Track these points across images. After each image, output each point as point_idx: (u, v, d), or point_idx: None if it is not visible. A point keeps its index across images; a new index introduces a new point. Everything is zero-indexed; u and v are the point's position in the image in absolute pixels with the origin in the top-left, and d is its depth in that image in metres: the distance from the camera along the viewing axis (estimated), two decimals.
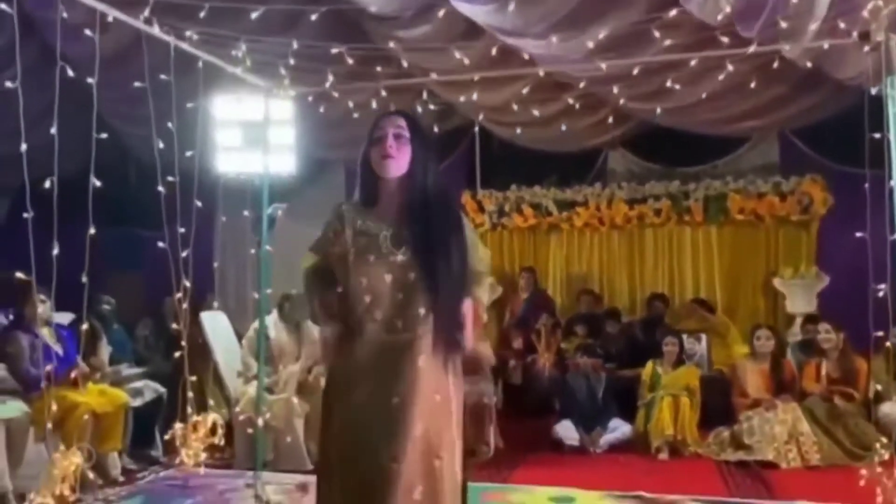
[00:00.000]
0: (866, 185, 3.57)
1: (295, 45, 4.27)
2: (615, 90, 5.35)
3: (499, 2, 4.10)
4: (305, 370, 5.10)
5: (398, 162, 2.10)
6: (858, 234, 3.57)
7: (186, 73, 3.54)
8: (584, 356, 5.82)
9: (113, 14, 3.06)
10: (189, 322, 5.25)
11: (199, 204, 3.62)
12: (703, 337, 6.35)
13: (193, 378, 3.88)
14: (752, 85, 5.14)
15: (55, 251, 2.71)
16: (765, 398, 5.28)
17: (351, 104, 5.33)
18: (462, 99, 5.51)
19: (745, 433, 5.16)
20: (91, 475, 4.07)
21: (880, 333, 3.65)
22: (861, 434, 4.98)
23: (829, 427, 5.08)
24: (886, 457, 3.55)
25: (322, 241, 2.20)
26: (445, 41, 4.75)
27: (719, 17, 4.05)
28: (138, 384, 5.15)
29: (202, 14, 3.85)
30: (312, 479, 4.36)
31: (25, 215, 2.57)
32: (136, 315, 6.92)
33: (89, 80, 2.81)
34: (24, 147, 2.57)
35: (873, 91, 3.50)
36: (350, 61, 4.69)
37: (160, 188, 3.36)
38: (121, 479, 4.52)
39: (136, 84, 3.27)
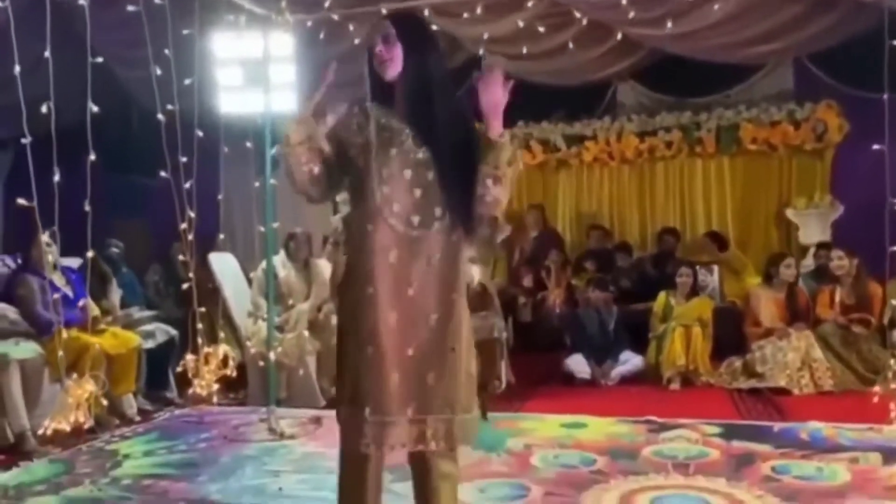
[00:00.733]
0: (884, 97, 3.46)
1: None
2: (623, 12, 5.20)
3: None
4: (315, 308, 5.13)
5: (393, 63, 2.07)
6: (876, 147, 3.48)
7: (183, 2, 3.46)
8: (595, 290, 5.83)
9: None
10: (198, 264, 5.32)
11: (199, 133, 3.58)
12: (716, 269, 6.33)
13: (203, 309, 3.91)
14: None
15: (56, 178, 2.69)
16: (778, 327, 5.28)
17: (353, 31, 5.21)
18: (466, 31, 5.39)
19: (757, 362, 5.18)
20: (106, 412, 4.13)
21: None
22: (875, 359, 4.99)
23: (842, 353, 5.10)
24: None
25: (344, 127, 2.12)
26: None
27: None
28: (150, 327, 5.20)
29: None
30: (326, 412, 4.54)
31: (24, 140, 2.55)
32: (145, 261, 6.97)
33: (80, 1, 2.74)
34: (17, 69, 2.52)
35: None
36: None
37: (159, 116, 3.32)
38: (137, 418, 4.60)
39: (130, 8, 3.19)
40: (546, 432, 3.93)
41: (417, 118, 2.06)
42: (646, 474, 3.22)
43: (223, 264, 5.28)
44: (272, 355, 4.28)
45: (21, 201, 2.83)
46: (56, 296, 3.80)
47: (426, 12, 4.73)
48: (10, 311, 4.38)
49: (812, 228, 6.63)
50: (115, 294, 5.28)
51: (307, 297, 5.19)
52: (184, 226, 3.57)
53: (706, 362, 5.37)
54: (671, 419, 4.09)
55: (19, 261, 4.65)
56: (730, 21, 5.42)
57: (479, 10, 4.62)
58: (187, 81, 3.55)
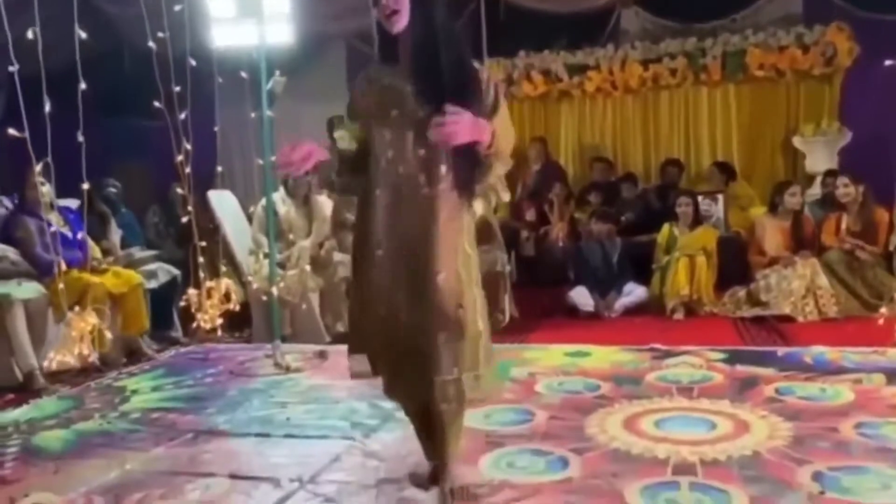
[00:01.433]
0: None
1: None
2: None
3: None
4: (317, 245, 5.14)
5: (400, 15, 2.06)
6: (888, 63, 3.40)
7: None
8: (598, 222, 5.82)
9: None
10: (197, 204, 5.30)
11: (192, 62, 3.52)
12: (720, 199, 6.29)
13: (203, 243, 3.91)
14: None
15: (47, 108, 2.65)
16: (783, 256, 5.29)
17: None
18: None
19: (761, 290, 5.21)
20: (122, 352, 4.17)
21: None
22: (880, 285, 5.01)
23: (847, 280, 5.11)
24: None
25: (352, 102, 2.21)
26: None
27: None
28: (152, 266, 5.21)
29: None
30: (331, 346, 4.59)
31: (11, 69, 2.50)
32: (144, 203, 6.95)
33: None
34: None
35: None
36: None
37: (150, 43, 3.26)
38: (156, 356, 4.66)
39: None
40: (550, 361, 3.97)
41: (423, 74, 2.04)
42: (650, 398, 3.26)
43: (223, 202, 5.25)
44: (274, 290, 4.28)
45: (12, 132, 2.79)
46: (52, 229, 3.77)
47: None
48: (11, 252, 4.40)
49: (819, 156, 6.57)
50: (115, 234, 5.28)
51: (308, 233, 5.18)
52: (180, 158, 3.53)
53: (710, 292, 5.39)
54: (675, 346, 4.12)
55: (16, 201, 4.63)
56: None
57: None
58: (177, 8, 3.46)
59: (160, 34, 3.33)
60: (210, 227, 5.24)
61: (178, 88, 3.39)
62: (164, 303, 5.11)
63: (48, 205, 4.39)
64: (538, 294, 5.90)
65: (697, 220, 5.68)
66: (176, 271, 5.22)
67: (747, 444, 2.65)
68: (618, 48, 7.19)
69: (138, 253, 5.40)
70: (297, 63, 6.65)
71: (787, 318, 4.95)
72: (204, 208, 5.29)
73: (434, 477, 2.31)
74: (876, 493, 2.21)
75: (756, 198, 6.52)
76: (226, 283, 4.04)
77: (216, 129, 4.10)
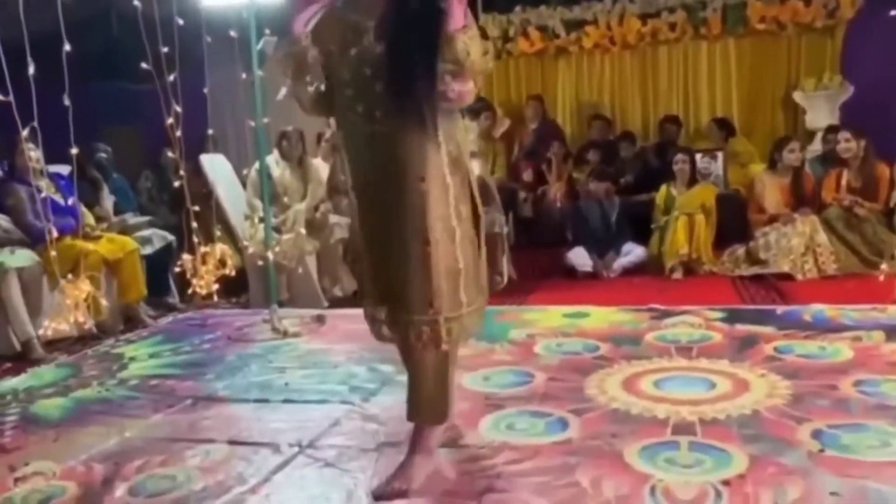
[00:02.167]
0: None
1: None
2: None
3: None
4: (312, 208, 5.10)
5: None
6: (893, 13, 3.32)
7: None
8: (596, 181, 5.78)
9: None
10: (190, 170, 5.24)
11: (180, 22, 3.44)
12: (719, 155, 6.25)
13: (196, 208, 3.88)
14: None
15: (31, 70, 2.59)
16: (783, 213, 5.26)
17: None
18: None
19: (760, 248, 5.19)
20: (121, 320, 4.15)
21: None
22: (879, 242, 5.00)
23: (846, 237, 5.09)
24: None
25: (320, 38, 2.11)
26: None
27: None
28: (146, 233, 5.18)
29: None
30: (329, 311, 4.59)
31: None
32: (137, 168, 6.90)
33: None
34: None
35: None
36: None
37: (136, 2, 3.17)
38: (153, 323, 4.66)
39: None
40: (549, 322, 3.97)
41: (392, 9, 1.99)
42: (649, 358, 3.26)
43: (215, 166, 5.21)
44: (270, 255, 4.26)
45: None
46: (43, 195, 3.73)
47: None
48: (2, 220, 4.36)
49: (820, 111, 6.50)
50: (108, 200, 5.23)
51: (303, 196, 5.14)
52: (170, 121, 3.47)
53: (709, 251, 5.38)
54: (674, 306, 4.12)
55: (5, 168, 4.57)
56: None
57: None
58: None
59: None
60: (203, 191, 5.20)
61: (165, 49, 3.30)
62: (159, 269, 5.10)
63: (38, 171, 4.34)
64: (536, 255, 5.89)
65: (694, 178, 5.63)
66: (170, 237, 5.19)
67: (746, 403, 2.65)
68: (615, 2, 7.08)
69: (132, 219, 5.37)
70: (288, 21, 6.52)
71: (787, 277, 4.95)
72: (196, 173, 5.25)
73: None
74: (875, 451, 2.21)
75: (756, 154, 6.47)
76: (221, 248, 4.01)
77: (206, 91, 3.99)
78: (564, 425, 2.55)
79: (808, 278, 4.95)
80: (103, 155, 5.83)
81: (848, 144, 5.26)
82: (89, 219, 4.74)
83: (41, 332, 3.44)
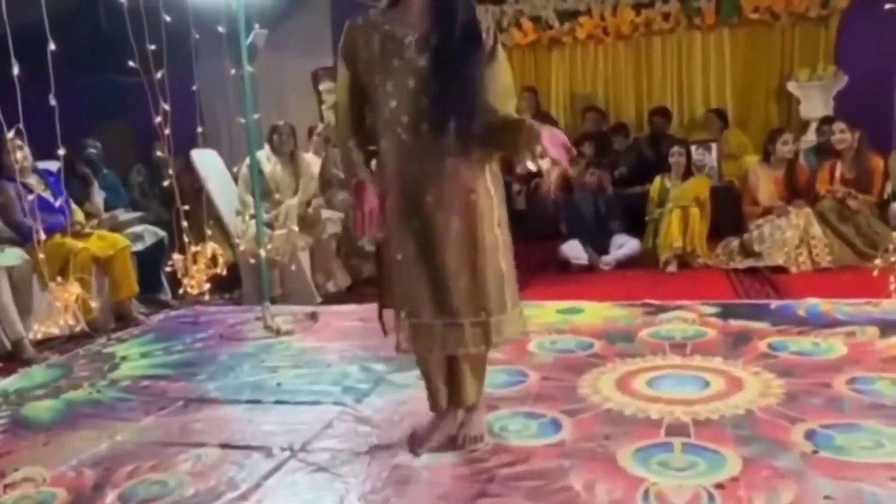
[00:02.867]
0: None
1: None
2: None
3: None
4: (304, 203, 5.08)
5: None
6: (888, 6, 3.30)
7: None
8: (591, 174, 5.76)
9: None
10: (182, 165, 5.20)
11: (167, 18, 3.39)
12: (714, 147, 6.23)
13: (186, 207, 3.85)
14: None
15: (15, 71, 2.55)
16: (777, 205, 5.25)
17: None
18: None
19: (755, 241, 5.18)
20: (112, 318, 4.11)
21: None
22: (873, 234, 4.99)
23: (840, 229, 5.09)
24: None
25: (348, 48, 2.18)
26: None
27: None
28: (137, 229, 5.15)
29: None
30: (322, 307, 4.57)
31: None
32: (128, 163, 6.84)
33: None
34: None
35: None
36: None
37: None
38: (145, 320, 4.63)
39: None
40: (543, 319, 3.96)
41: (434, 24, 2.08)
42: (643, 356, 3.25)
43: (207, 161, 5.16)
44: (262, 252, 4.23)
45: None
46: (31, 196, 3.69)
47: None
48: None
49: (814, 102, 6.48)
50: (98, 196, 5.19)
51: (295, 191, 5.12)
52: (158, 119, 3.43)
53: (703, 244, 5.37)
54: (668, 301, 4.11)
55: None
56: None
57: None
58: None
59: None
60: (196, 186, 5.16)
61: (153, 47, 3.26)
62: (151, 265, 5.06)
63: (27, 168, 4.30)
64: (530, 248, 5.77)
65: (689, 170, 5.62)
66: (162, 233, 5.15)
67: (740, 403, 2.64)
68: None
69: (123, 215, 5.34)
70: (278, 14, 6.48)
71: (781, 269, 4.95)
72: (188, 168, 5.21)
73: (420, 439, 2.42)
74: (869, 452, 2.21)
75: (750, 146, 6.46)
76: (212, 247, 3.97)
77: (194, 88, 3.95)
78: (558, 427, 2.54)
79: (802, 271, 4.95)
80: (93, 151, 5.78)
81: (843, 136, 5.24)
82: (79, 216, 4.70)
83: (30, 336, 3.41)
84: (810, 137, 6.28)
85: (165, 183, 3.73)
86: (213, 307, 4.86)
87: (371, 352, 3.45)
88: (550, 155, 2.02)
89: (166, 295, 5.16)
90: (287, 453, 2.48)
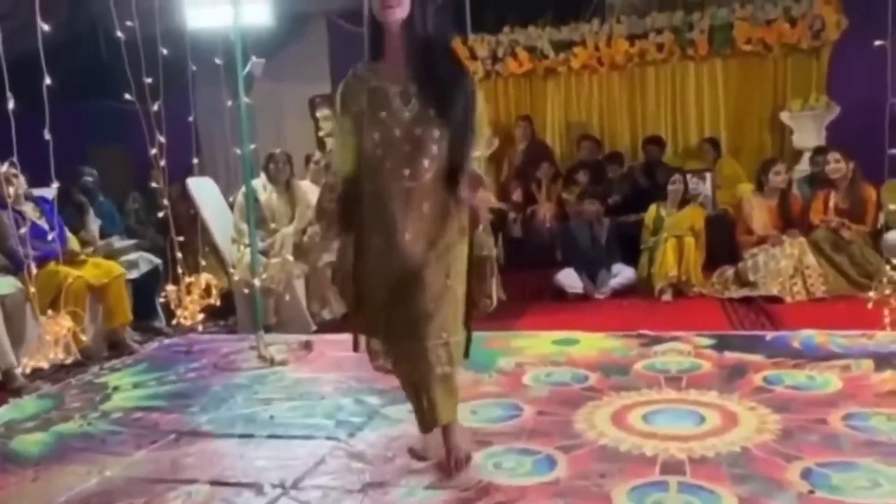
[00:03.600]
0: None
1: None
2: None
3: None
4: (300, 231, 5.06)
5: (401, 8, 2.20)
6: (878, 43, 3.33)
7: None
8: (586, 202, 5.77)
9: None
10: (178, 193, 5.20)
11: (164, 52, 3.40)
12: (708, 176, 6.26)
13: (181, 239, 3.83)
14: None
15: (10, 105, 2.55)
16: (771, 234, 5.25)
17: None
18: None
19: (749, 270, 5.18)
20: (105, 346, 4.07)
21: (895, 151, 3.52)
22: (867, 263, 4.99)
23: (834, 258, 5.09)
24: None
25: (342, 100, 2.36)
26: None
27: None
28: (133, 256, 5.12)
29: None
30: (316, 336, 4.54)
31: None
32: (125, 189, 6.84)
33: None
34: None
35: None
36: None
37: (118, 33, 3.14)
38: (139, 348, 4.60)
39: None
40: (538, 350, 3.94)
41: (416, 73, 2.24)
42: (638, 389, 3.22)
43: (203, 189, 5.16)
44: (257, 282, 4.22)
45: None
46: (22, 230, 3.67)
47: None
48: None
49: (806, 132, 6.52)
50: (94, 224, 5.18)
51: (291, 219, 5.10)
52: (154, 151, 3.43)
53: (698, 273, 5.36)
54: (663, 332, 4.09)
55: None
56: None
57: None
58: None
59: (129, 23, 3.20)
60: (192, 214, 5.15)
61: (149, 80, 3.27)
62: (146, 293, 5.04)
63: (21, 196, 4.28)
64: (526, 276, 5.86)
65: (685, 199, 5.63)
66: (157, 260, 5.13)
67: (736, 439, 2.62)
68: (604, 23, 7.12)
69: (118, 242, 5.31)
70: (276, 43, 6.55)
71: (776, 299, 4.94)
72: (184, 197, 5.21)
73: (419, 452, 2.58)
74: (865, 492, 2.18)
75: (743, 175, 6.48)
76: (206, 277, 3.95)
77: (191, 119, 3.96)
78: (552, 464, 2.51)
79: (796, 300, 4.94)
80: (89, 179, 5.78)
81: (837, 165, 5.26)
82: (74, 243, 4.68)
83: (18, 370, 3.37)
84: (803, 167, 6.32)
85: (161, 214, 3.71)
86: (207, 335, 4.81)
87: (365, 384, 3.42)
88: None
89: (161, 322, 5.11)
90: (278, 490, 2.44)
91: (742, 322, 4.53)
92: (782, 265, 5.05)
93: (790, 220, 5.32)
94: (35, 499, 2.52)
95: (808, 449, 2.51)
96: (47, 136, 2.85)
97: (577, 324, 4.40)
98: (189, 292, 3.82)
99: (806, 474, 2.31)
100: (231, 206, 5.16)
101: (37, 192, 4.48)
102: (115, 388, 3.80)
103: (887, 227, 4.96)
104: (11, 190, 3.72)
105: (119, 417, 3.35)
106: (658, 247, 5.39)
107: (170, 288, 3.91)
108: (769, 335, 4.01)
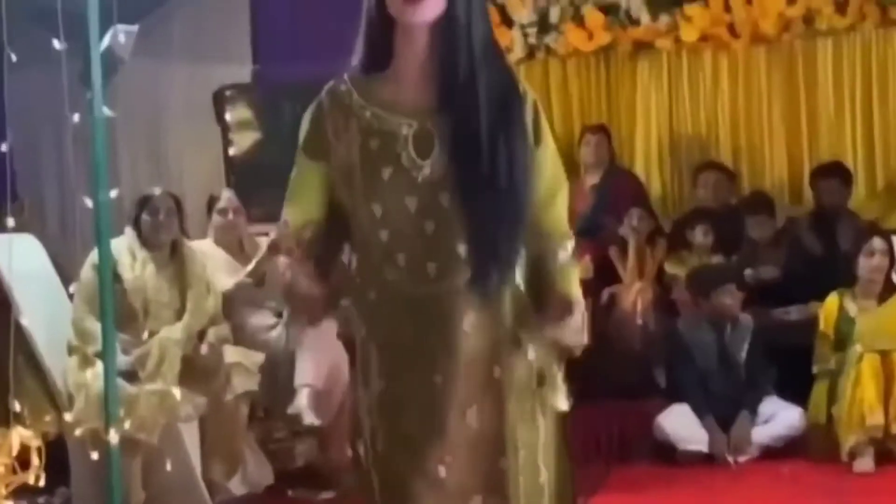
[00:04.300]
0: None
1: None
2: None
3: None
4: (194, 335, 5.11)
5: (432, 1, 2.25)
6: None
7: None
8: (719, 284, 5.80)
9: None
10: None
11: None
12: None
13: None
14: None
15: None
16: None
17: None
18: None
19: None
20: None
21: None
22: None
23: None
24: None
25: (314, 138, 2.40)
26: None
27: None
28: None
29: None
30: None
31: None
32: None
33: None
34: None
35: None
36: None
37: None
38: None
39: None
40: None
41: (447, 101, 2.29)
42: None
43: (18, 257, 5.13)
44: (113, 433, 4.16)
45: None
46: None
47: None
48: None
49: None
50: None
51: (179, 313, 5.17)
52: None
53: None
54: None
55: None
56: None
57: None
58: None
59: None
60: None
61: None
62: None
63: None
64: (604, 414, 5.87)
65: (892, 283, 5.63)
66: None
67: None
68: None
69: None
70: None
71: None
72: None
73: None
74: None
75: None
76: (17, 436, 3.93)
77: (3, 147, 4.00)
78: None
79: None
80: None
81: None
82: None
83: None
84: None
85: None
86: None
87: None
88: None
89: None
90: None
91: None
92: None
93: None
94: None
95: None
96: None
97: None
98: None
99: None
100: (69, 289, 5.14)
101: None
102: None
103: None
104: None
105: None
106: (846, 370, 5.39)
107: None
108: None
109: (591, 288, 6.81)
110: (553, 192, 2.43)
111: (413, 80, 2.35)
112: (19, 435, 4.05)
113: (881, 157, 7.21)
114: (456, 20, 2.28)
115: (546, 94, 7.56)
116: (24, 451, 4.27)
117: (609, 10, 7.37)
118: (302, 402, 5.02)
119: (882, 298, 5.57)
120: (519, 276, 2.38)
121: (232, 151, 7.36)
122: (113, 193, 4.09)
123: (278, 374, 5.26)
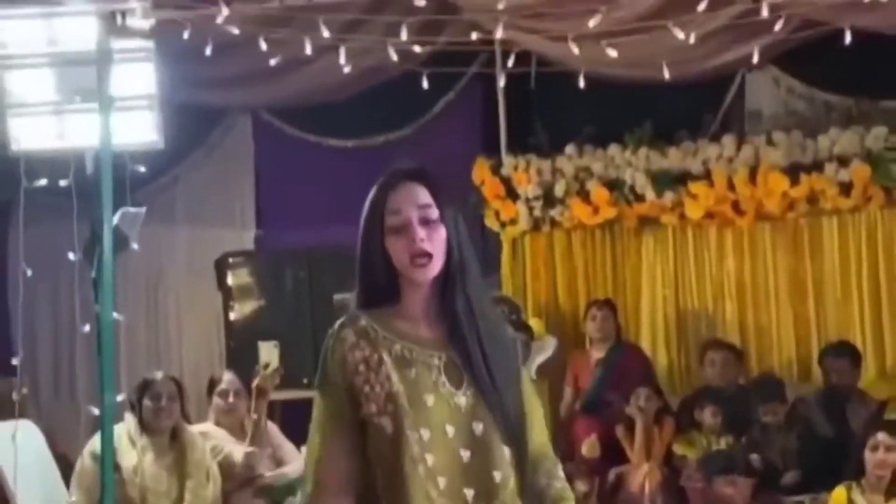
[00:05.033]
0: None
1: None
2: None
3: None
4: None
5: (435, 259, 2.38)
6: None
7: None
8: (722, 472, 5.73)
9: None
10: None
11: None
12: None
13: None
14: None
15: None
16: None
17: None
18: None
19: None
20: None
21: None
22: None
23: None
24: None
25: (334, 373, 2.41)
26: None
27: None
28: None
29: None
30: None
31: None
32: None
33: None
34: None
35: None
36: None
37: None
38: None
39: None
40: None
41: (459, 340, 2.38)
42: None
43: (17, 448, 5.12)
44: None
45: None
46: None
47: None
48: None
49: None
50: None
51: (177, 502, 5.11)
52: None
53: None
54: None
55: None
56: None
57: None
58: None
59: None
60: None
61: None
62: None
63: None
64: None
65: None
66: None
67: None
68: (742, 142, 7.35)
69: None
70: (168, 165, 6.79)
71: None
72: None
73: None
74: None
75: None
76: None
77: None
78: None
79: None
80: None
81: None
82: None
83: None
84: None
85: None
86: None
87: None
88: None
89: None
90: None
91: None
92: None
93: None
94: None
95: None
96: None
97: None
98: None
99: None
100: (65, 476, 5.10)
101: None
102: None
103: None
104: None
105: None
106: None
107: None
108: None
109: (595, 468, 6.78)
110: (540, 417, 2.52)
111: (423, 319, 2.44)
112: None
113: (890, 337, 7.20)
114: (454, 272, 2.40)
115: (551, 265, 7.66)
116: None
117: (614, 186, 7.45)
118: None
119: (890, 493, 5.48)
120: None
121: (233, 316, 7.40)
122: (119, 398, 4.10)
123: None
